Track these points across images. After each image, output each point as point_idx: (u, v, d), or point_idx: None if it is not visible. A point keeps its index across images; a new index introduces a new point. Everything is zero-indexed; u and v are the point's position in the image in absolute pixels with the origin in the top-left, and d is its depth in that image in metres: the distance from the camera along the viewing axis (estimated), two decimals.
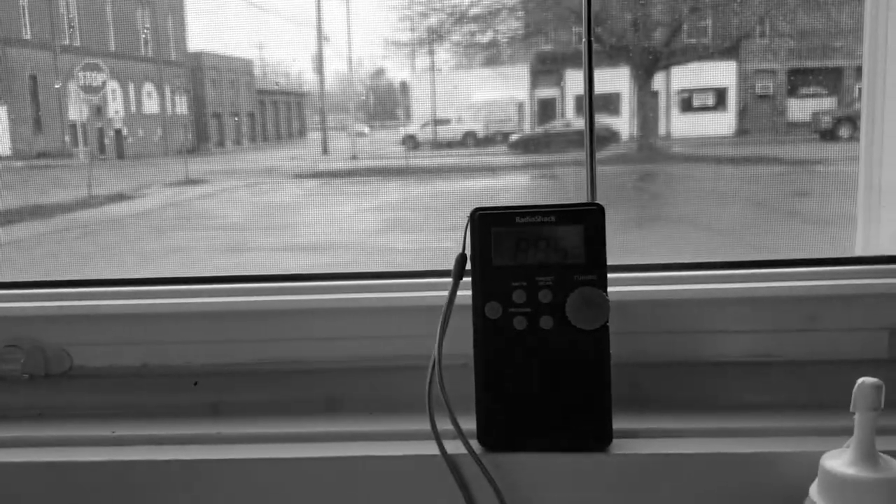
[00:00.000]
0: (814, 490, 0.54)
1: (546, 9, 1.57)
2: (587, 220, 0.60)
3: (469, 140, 1.87)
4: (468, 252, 0.62)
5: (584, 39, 0.71)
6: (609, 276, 0.60)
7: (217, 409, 0.70)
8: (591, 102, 0.72)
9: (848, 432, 0.53)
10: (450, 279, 0.63)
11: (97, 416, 0.69)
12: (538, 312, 0.60)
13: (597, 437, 0.60)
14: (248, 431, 0.65)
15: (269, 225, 1.59)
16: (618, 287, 0.61)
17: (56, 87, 1.21)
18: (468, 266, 0.62)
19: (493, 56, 1.58)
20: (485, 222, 0.61)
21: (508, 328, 0.60)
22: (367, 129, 1.74)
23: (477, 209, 0.61)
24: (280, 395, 0.72)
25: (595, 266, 0.60)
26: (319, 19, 1.46)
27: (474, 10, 1.47)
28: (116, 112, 1.57)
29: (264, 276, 0.75)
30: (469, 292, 0.61)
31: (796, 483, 0.56)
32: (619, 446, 0.60)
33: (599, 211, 0.60)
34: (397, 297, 0.72)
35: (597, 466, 0.60)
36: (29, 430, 0.68)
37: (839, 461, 0.52)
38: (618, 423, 0.60)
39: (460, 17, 1.47)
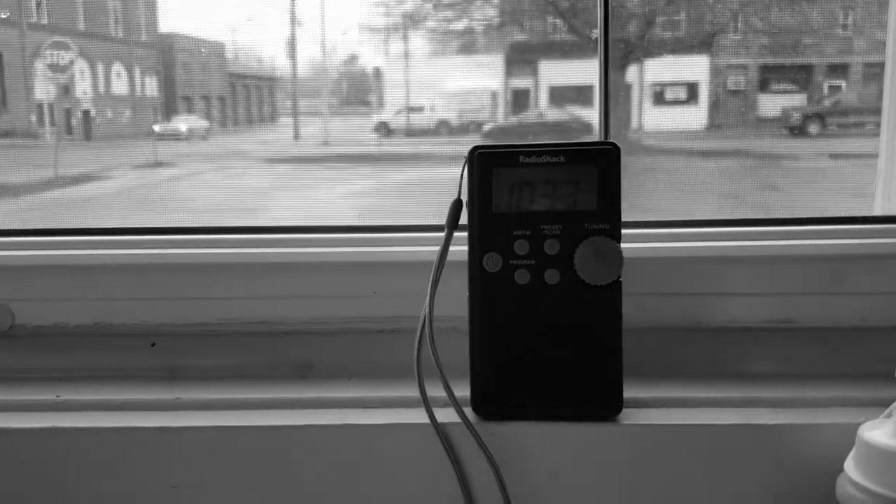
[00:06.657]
0: (850, 464, 0.49)
1: None
2: (601, 160, 0.54)
3: (443, 129, 1.87)
4: (465, 198, 0.55)
5: None
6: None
7: (176, 372, 0.66)
8: (608, 30, 0.66)
9: (880, 403, 0.50)
10: (442, 233, 0.56)
11: (41, 380, 0.65)
12: (543, 265, 0.54)
13: (605, 406, 0.55)
14: (210, 397, 0.61)
15: (240, 209, 1.58)
16: (629, 244, 0.56)
17: (3, 16, 1.15)
18: (464, 214, 0.56)
19: (467, 44, 1.55)
20: (485, 163, 0.54)
21: (509, 283, 0.55)
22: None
23: (476, 147, 0.55)
24: (246, 357, 0.67)
25: (608, 214, 0.54)
26: (293, 2, 1.43)
27: None
28: (85, 93, 1.54)
29: (231, 227, 0.71)
30: (465, 247, 0.55)
31: (827, 457, 0.52)
32: (630, 416, 0.56)
33: (615, 151, 0.54)
34: (381, 251, 0.67)
35: (605, 438, 0.55)
36: None
37: (880, 432, 0.48)
38: (628, 392, 0.56)
39: (436, 4, 1.44)
